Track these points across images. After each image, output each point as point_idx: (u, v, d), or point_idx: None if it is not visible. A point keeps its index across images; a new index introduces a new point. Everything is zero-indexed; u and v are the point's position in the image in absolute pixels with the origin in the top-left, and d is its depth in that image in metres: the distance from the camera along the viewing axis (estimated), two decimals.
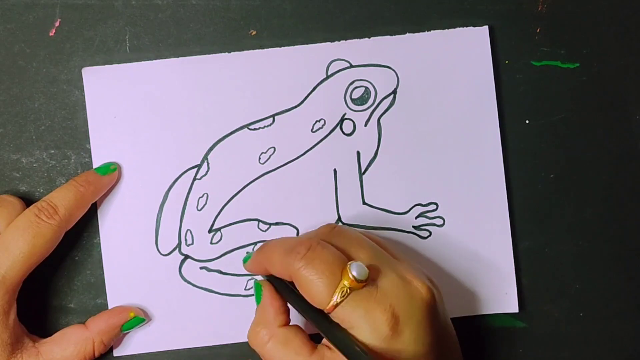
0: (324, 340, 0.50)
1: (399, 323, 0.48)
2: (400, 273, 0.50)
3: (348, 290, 0.48)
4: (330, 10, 0.58)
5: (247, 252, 0.57)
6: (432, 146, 0.58)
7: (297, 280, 0.49)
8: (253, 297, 0.57)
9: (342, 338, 0.47)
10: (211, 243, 0.57)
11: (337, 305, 0.48)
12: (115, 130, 0.57)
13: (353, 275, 0.47)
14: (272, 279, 0.53)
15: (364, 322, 0.48)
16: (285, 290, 0.52)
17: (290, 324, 0.52)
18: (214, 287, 0.57)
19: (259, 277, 0.55)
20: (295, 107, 0.57)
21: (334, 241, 0.51)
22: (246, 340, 0.57)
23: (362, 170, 0.58)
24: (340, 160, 0.58)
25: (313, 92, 0.57)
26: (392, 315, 0.48)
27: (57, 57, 0.57)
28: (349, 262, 0.48)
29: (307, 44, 0.58)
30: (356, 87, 0.58)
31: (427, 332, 0.49)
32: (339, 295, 0.47)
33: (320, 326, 0.49)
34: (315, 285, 0.48)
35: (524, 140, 0.58)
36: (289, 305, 0.52)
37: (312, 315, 0.49)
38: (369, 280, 0.48)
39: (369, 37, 0.58)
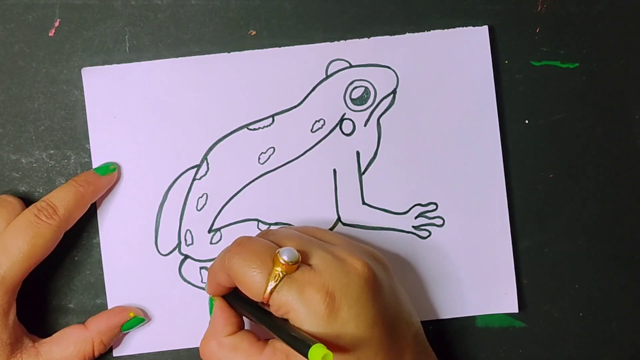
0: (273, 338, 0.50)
1: (334, 300, 0.48)
2: (333, 253, 0.50)
3: (280, 275, 0.48)
4: (330, 10, 0.58)
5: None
6: (432, 146, 0.58)
7: (233, 276, 0.50)
8: None
9: (284, 328, 0.48)
10: (211, 243, 0.57)
11: (272, 292, 0.48)
12: (115, 130, 0.57)
13: (284, 260, 0.48)
14: (226, 295, 0.54)
15: (300, 304, 0.47)
16: (235, 300, 0.53)
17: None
18: None
19: None
20: (295, 107, 0.57)
21: (265, 237, 0.52)
22: None
23: (362, 170, 0.58)
24: (339, 160, 0.58)
25: (313, 92, 0.57)
26: (326, 294, 0.48)
27: (57, 57, 0.57)
28: (278, 249, 0.48)
29: (306, 44, 0.58)
30: (356, 87, 0.58)
31: (368, 309, 0.48)
32: (273, 281, 0.48)
33: (264, 322, 0.49)
34: (249, 275, 0.48)
35: (523, 140, 0.58)
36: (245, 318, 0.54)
37: (256, 315, 0.50)
38: (301, 264, 0.48)
39: (369, 37, 0.58)
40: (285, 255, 0.48)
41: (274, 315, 0.49)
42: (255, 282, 0.48)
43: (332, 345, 0.47)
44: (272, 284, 0.48)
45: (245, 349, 0.51)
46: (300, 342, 0.46)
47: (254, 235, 0.52)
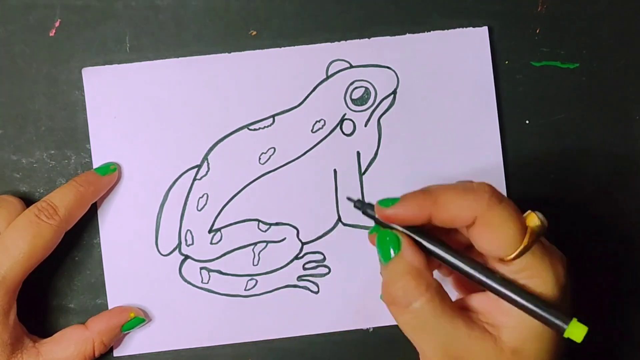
0: (470, 305, 0.47)
1: (567, 277, 0.46)
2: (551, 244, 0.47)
3: (535, 237, 0.44)
4: (331, 11, 0.58)
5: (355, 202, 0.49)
6: (432, 146, 0.58)
7: (485, 221, 0.44)
8: (253, 298, 0.57)
9: (531, 294, 0.44)
10: (211, 243, 0.57)
11: (524, 251, 0.44)
12: (116, 130, 0.57)
13: (541, 221, 0.45)
14: (413, 231, 0.46)
15: (551, 273, 0.44)
16: (434, 243, 0.46)
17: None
18: (214, 288, 0.57)
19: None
20: (295, 107, 0.57)
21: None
22: (246, 340, 0.57)
23: (362, 170, 0.58)
24: (340, 161, 0.58)
25: (313, 93, 0.57)
26: (564, 268, 0.45)
27: (57, 57, 0.57)
28: (529, 211, 0.45)
29: (307, 44, 0.58)
30: (356, 88, 0.58)
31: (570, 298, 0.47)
32: (528, 239, 0.44)
33: (488, 277, 0.45)
34: (506, 227, 0.44)
35: (523, 140, 0.58)
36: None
37: (473, 266, 0.45)
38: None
39: (369, 38, 0.58)
40: (542, 217, 0.45)
41: (505, 277, 0.45)
42: (510, 235, 0.44)
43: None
44: (526, 243, 0.44)
45: (450, 304, 0.45)
46: (557, 314, 0.43)
47: None
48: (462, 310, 0.46)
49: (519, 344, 0.45)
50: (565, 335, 0.43)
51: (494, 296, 0.45)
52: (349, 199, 0.49)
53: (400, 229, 0.47)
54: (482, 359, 0.44)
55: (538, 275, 0.45)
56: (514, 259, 0.44)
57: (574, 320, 0.43)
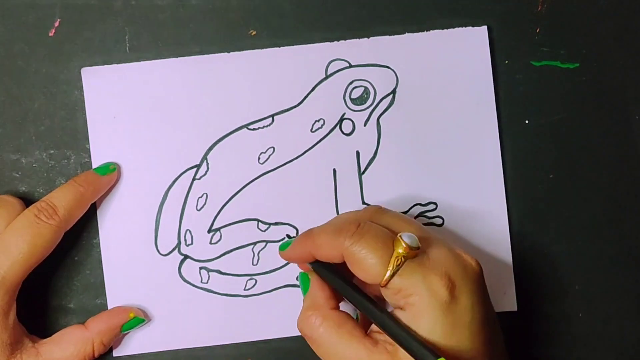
0: (373, 327, 0.50)
1: (455, 288, 0.47)
2: (448, 246, 0.50)
3: (402, 259, 0.47)
4: (330, 10, 0.58)
5: (286, 237, 0.57)
6: (432, 146, 0.58)
7: (349, 258, 0.49)
8: (252, 298, 0.57)
9: (403, 330, 0.47)
10: (211, 243, 0.57)
11: (392, 275, 0.47)
12: (115, 130, 0.57)
13: (406, 243, 0.47)
14: (316, 268, 0.53)
15: (423, 288, 0.47)
16: (330, 278, 0.52)
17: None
18: (214, 287, 0.57)
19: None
20: (295, 107, 0.57)
21: (379, 221, 0.51)
22: (245, 340, 0.57)
23: (362, 170, 0.58)
24: (339, 160, 0.58)
25: (312, 92, 0.57)
26: (449, 280, 0.47)
27: (57, 57, 0.57)
28: (399, 233, 0.48)
29: (306, 44, 0.58)
30: (355, 87, 0.58)
31: (481, 304, 0.48)
32: (394, 265, 0.47)
33: (373, 313, 0.48)
34: (368, 259, 0.48)
35: (523, 140, 0.58)
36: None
37: (361, 302, 0.49)
38: (420, 251, 0.48)
39: (368, 37, 0.58)
40: (408, 240, 0.47)
41: (384, 309, 0.48)
42: (373, 264, 0.48)
43: (450, 356, 0.46)
44: (392, 267, 0.47)
45: (349, 328, 0.49)
46: (424, 349, 0.45)
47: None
48: (365, 333, 0.49)
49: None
50: None
51: None
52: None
53: (315, 267, 0.53)
54: None
55: (413, 292, 0.47)
56: (386, 284, 0.48)
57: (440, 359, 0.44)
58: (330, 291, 0.52)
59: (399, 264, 0.47)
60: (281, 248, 0.55)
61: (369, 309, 0.49)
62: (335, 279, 0.51)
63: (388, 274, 0.47)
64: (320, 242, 0.51)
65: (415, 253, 0.48)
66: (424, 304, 0.47)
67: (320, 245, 0.51)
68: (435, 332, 0.47)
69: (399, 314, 0.48)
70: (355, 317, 0.52)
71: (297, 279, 0.57)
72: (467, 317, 0.48)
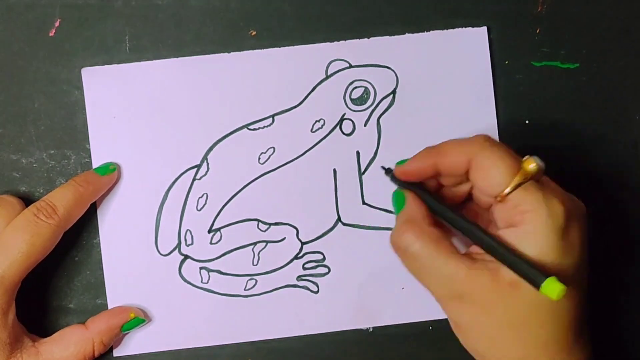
0: (470, 249, 0.49)
1: (570, 218, 0.47)
2: (559, 187, 0.49)
3: (528, 176, 0.47)
4: (330, 11, 0.58)
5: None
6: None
7: (477, 163, 0.48)
8: (252, 298, 0.57)
9: (511, 249, 0.46)
10: (211, 243, 0.57)
11: (516, 187, 0.47)
12: (115, 130, 0.57)
13: (538, 164, 0.47)
14: (415, 189, 0.51)
15: (544, 206, 0.46)
16: (430, 200, 0.51)
17: None
18: (214, 287, 0.57)
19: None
20: (295, 107, 0.57)
21: None
22: (246, 340, 0.57)
23: (362, 170, 0.58)
24: (339, 160, 0.58)
25: (312, 92, 0.57)
26: (565, 208, 0.47)
27: (57, 57, 0.57)
28: (527, 156, 0.48)
29: (306, 44, 0.58)
30: (355, 87, 0.58)
31: (584, 244, 0.48)
32: (520, 178, 0.47)
33: (476, 233, 0.48)
34: (496, 166, 0.47)
35: (523, 140, 0.58)
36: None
37: (462, 223, 0.49)
38: (542, 178, 0.48)
39: (368, 38, 0.58)
40: (539, 160, 0.47)
41: (489, 232, 0.48)
42: (500, 172, 0.47)
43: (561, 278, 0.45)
44: (518, 179, 0.47)
45: (447, 244, 0.48)
46: (533, 269, 0.45)
47: None
48: (463, 252, 0.49)
49: (515, 277, 0.46)
50: (542, 292, 0.44)
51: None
52: (382, 167, 0.55)
53: (411, 189, 0.52)
54: (481, 293, 0.47)
55: (532, 209, 0.47)
56: (507, 195, 0.47)
57: (551, 278, 0.44)
58: (427, 210, 0.50)
59: (524, 179, 0.47)
60: (399, 163, 0.52)
61: (470, 229, 0.48)
62: (435, 201, 0.50)
63: (512, 184, 0.47)
64: (447, 148, 0.50)
65: (540, 176, 0.47)
66: (541, 223, 0.46)
67: (447, 151, 0.50)
68: (546, 254, 0.46)
69: (506, 233, 0.48)
70: None
71: (392, 197, 0.52)
72: (575, 250, 0.47)
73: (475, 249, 0.49)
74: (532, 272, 0.45)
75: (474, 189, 0.51)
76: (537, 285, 0.44)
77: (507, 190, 0.47)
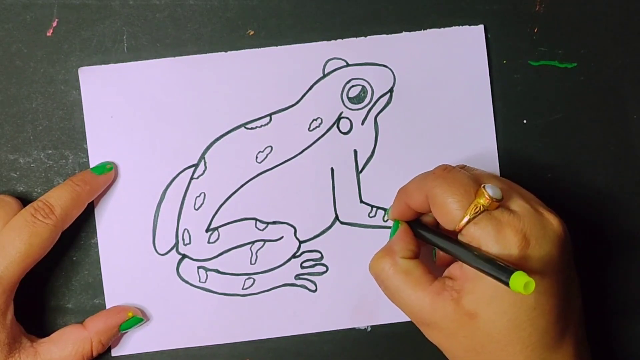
0: (447, 271, 0.51)
1: (528, 247, 0.48)
2: (531, 203, 0.50)
3: (481, 208, 0.48)
4: (327, 10, 0.58)
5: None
6: (429, 144, 0.58)
7: (431, 199, 0.50)
8: (250, 297, 0.57)
9: (478, 253, 0.47)
10: (209, 242, 0.57)
11: (468, 222, 0.48)
12: (113, 130, 0.57)
13: (488, 194, 0.48)
14: (411, 222, 0.54)
15: (494, 241, 0.48)
16: (419, 228, 0.53)
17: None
18: (212, 287, 0.57)
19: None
20: (292, 106, 0.57)
21: (469, 170, 0.52)
22: (244, 339, 0.57)
23: (359, 168, 0.58)
24: (337, 159, 0.58)
25: (310, 91, 0.58)
26: (523, 238, 0.48)
27: (55, 57, 0.57)
28: (483, 184, 0.49)
29: (304, 43, 0.58)
30: (353, 86, 0.58)
31: (554, 268, 0.48)
32: (472, 212, 0.48)
33: (453, 248, 0.49)
34: (448, 202, 0.49)
35: (521, 139, 0.58)
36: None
37: (444, 241, 0.51)
38: (502, 204, 0.49)
39: (366, 36, 0.58)
40: (491, 191, 0.48)
41: (464, 242, 0.49)
42: (453, 209, 0.48)
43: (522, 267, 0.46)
44: (470, 215, 0.48)
45: (416, 276, 0.51)
46: (500, 267, 0.45)
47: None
48: (432, 281, 0.51)
49: (474, 307, 0.48)
50: (512, 288, 0.44)
51: (463, 265, 0.49)
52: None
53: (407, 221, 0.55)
54: (443, 322, 0.49)
55: (484, 244, 0.48)
56: (460, 230, 0.49)
57: (519, 272, 0.44)
58: (411, 242, 0.53)
59: (477, 212, 0.48)
60: (386, 212, 0.57)
61: (444, 241, 0.51)
62: (414, 223, 0.54)
63: (465, 219, 0.48)
64: (410, 188, 0.52)
65: (496, 205, 0.48)
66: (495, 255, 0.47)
67: (410, 191, 0.52)
68: (498, 286, 0.47)
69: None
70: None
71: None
72: (535, 277, 0.47)
73: (448, 272, 0.51)
74: (499, 268, 0.45)
75: None
76: (505, 281, 0.44)
77: (461, 224, 0.48)
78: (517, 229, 0.48)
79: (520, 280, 0.43)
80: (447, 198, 0.49)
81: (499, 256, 0.47)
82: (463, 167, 0.53)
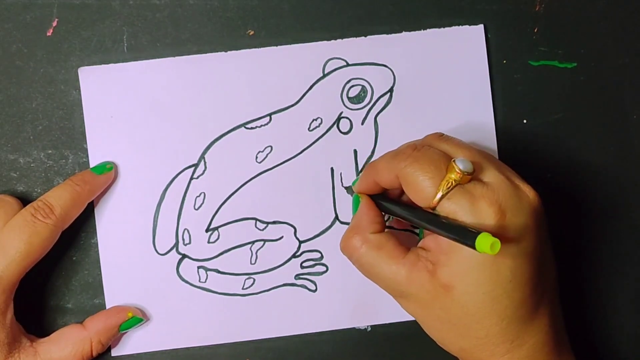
0: (421, 242, 0.51)
1: (504, 219, 0.48)
2: (506, 175, 0.50)
3: (453, 183, 0.48)
4: (328, 10, 0.58)
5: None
6: None
7: (403, 179, 0.50)
8: (250, 297, 0.57)
9: (446, 220, 0.47)
10: (208, 242, 0.57)
11: (442, 198, 0.48)
12: (112, 129, 0.57)
13: (459, 169, 0.48)
14: (373, 195, 0.54)
15: (469, 215, 0.47)
16: (384, 201, 0.53)
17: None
18: (212, 287, 0.57)
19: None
20: (292, 105, 0.57)
21: (438, 146, 0.51)
22: (244, 339, 0.57)
23: (360, 168, 0.58)
24: (337, 159, 0.58)
25: (310, 91, 0.58)
26: (498, 209, 0.47)
27: (55, 57, 0.57)
28: (454, 159, 0.48)
29: (304, 42, 0.58)
30: (353, 86, 0.58)
31: (529, 238, 0.48)
32: (444, 187, 0.48)
33: (422, 218, 0.49)
34: (420, 180, 0.49)
35: (521, 139, 0.58)
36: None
37: (412, 212, 0.50)
38: (475, 177, 0.49)
39: (366, 36, 0.58)
40: (461, 165, 0.48)
41: (432, 212, 0.49)
42: (425, 186, 0.48)
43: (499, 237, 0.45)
44: (442, 190, 0.48)
45: (389, 249, 0.51)
46: (466, 231, 0.45)
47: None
48: (405, 252, 0.51)
49: (449, 279, 0.48)
50: (478, 249, 0.44)
51: (437, 237, 0.49)
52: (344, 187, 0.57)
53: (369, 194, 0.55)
54: (419, 293, 0.49)
55: (460, 218, 0.48)
56: (434, 206, 0.48)
57: (484, 233, 0.44)
58: (376, 215, 0.53)
59: (450, 188, 0.48)
60: (352, 183, 0.56)
61: (412, 213, 0.50)
62: (379, 197, 0.54)
63: (438, 196, 0.48)
64: (380, 166, 0.52)
65: (468, 178, 0.48)
66: (471, 225, 0.47)
67: (379, 169, 0.52)
68: (473, 258, 0.47)
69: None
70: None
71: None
72: (512, 249, 0.48)
73: (423, 244, 0.51)
74: (465, 230, 0.45)
75: None
76: (471, 243, 0.44)
77: (435, 200, 0.48)
78: (492, 200, 0.48)
79: (486, 241, 0.43)
80: (419, 176, 0.49)
81: (475, 228, 0.47)
82: (441, 135, 0.53)
